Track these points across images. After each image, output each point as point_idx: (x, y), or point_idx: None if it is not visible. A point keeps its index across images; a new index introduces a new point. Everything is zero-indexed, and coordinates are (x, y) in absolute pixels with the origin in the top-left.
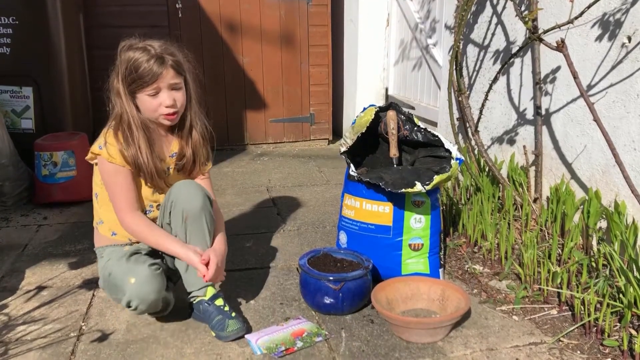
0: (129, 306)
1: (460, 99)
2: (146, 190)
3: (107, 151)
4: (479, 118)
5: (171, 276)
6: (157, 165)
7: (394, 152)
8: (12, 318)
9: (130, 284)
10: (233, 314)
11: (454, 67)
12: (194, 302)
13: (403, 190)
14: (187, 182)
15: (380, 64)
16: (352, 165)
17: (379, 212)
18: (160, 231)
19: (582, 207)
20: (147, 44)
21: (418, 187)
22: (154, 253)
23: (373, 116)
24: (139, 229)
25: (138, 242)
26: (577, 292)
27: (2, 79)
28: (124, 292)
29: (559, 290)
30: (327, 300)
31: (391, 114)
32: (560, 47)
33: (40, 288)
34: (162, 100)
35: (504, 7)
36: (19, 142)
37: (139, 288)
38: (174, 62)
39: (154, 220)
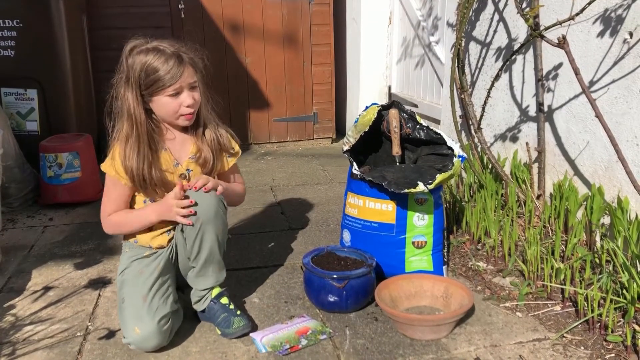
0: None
1: (462, 96)
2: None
3: (108, 165)
4: (482, 115)
5: (181, 286)
6: (157, 176)
7: (396, 150)
8: (19, 318)
9: (134, 332)
10: (238, 312)
11: (456, 64)
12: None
13: (405, 190)
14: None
15: (383, 62)
16: (354, 163)
17: (382, 210)
18: (133, 212)
19: (585, 203)
20: (158, 45)
21: (420, 187)
22: (171, 268)
23: (375, 115)
24: (116, 219)
25: (157, 249)
26: (581, 288)
27: (7, 82)
28: (128, 333)
29: (563, 287)
30: (331, 298)
31: (393, 112)
32: (562, 43)
33: (46, 288)
34: (182, 101)
35: (505, 4)
36: (24, 144)
37: (141, 341)
38: (190, 59)
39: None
